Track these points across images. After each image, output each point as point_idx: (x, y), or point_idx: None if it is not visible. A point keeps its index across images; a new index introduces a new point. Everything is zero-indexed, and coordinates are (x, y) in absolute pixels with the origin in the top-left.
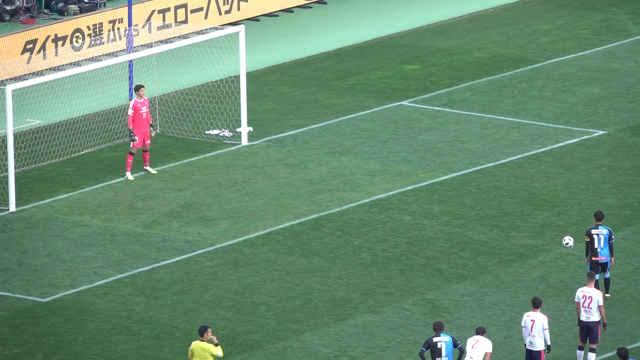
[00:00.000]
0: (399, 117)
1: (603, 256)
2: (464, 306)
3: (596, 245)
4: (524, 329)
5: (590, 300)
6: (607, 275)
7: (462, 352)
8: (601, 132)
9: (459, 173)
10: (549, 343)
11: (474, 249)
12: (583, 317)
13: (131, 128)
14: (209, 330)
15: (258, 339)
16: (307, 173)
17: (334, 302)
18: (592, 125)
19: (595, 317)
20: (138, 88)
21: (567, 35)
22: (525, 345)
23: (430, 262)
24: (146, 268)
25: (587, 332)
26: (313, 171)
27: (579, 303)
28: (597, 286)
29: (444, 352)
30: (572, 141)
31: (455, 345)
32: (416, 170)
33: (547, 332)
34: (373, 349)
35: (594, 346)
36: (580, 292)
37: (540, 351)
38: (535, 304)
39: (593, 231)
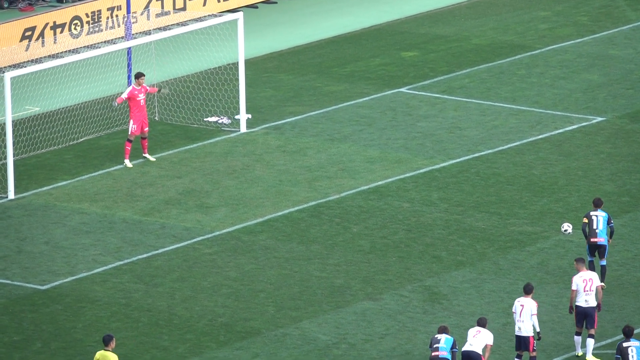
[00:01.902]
0: (398, 104)
1: (602, 238)
2: (462, 293)
3: (595, 227)
4: (514, 314)
5: (592, 283)
6: (604, 262)
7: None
8: (600, 119)
9: (458, 160)
10: (537, 330)
11: (473, 236)
12: (582, 303)
13: (117, 102)
14: (114, 340)
15: (257, 326)
16: (306, 160)
17: (332, 289)
18: (591, 112)
19: (593, 302)
20: (138, 76)
21: (566, 22)
22: (515, 331)
23: (429, 249)
24: (145, 255)
25: (585, 317)
26: (312, 158)
27: (576, 290)
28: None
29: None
30: (570, 128)
31: (453, 346)
32: (415, 157)
33: (535, 318)
34: (372, 336)
35: (592, 332)
36: (580, 278)
37: (528, 337)
38: (527, 290)
39: (592, 213)
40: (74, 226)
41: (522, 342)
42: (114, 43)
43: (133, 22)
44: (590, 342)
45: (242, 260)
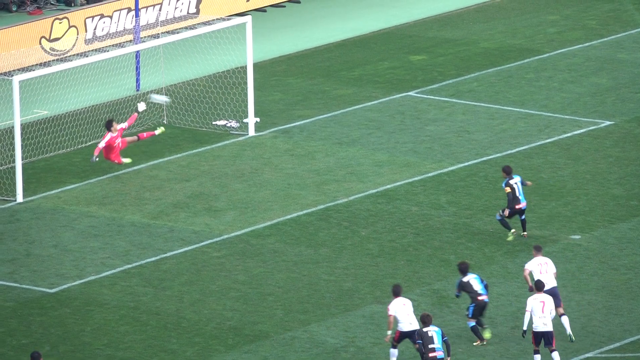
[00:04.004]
0: (406, 108)
1: (524, 202)
2: None
3: (518, 194)
4: (530, 312)
5: (547, 265)
6: (524, 217)
7: (448, 346)
8: (608, 123)
9: (466, 164)
10: (524, 328)
11: (481, 240)
12: (540, 327)
13: (95, 157)
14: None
15: (265, 329)
16: (314, 164)
17: (341, 292)
18: (599, 115)
19: (554, 281)
20: (110, 124)
21: (574, 26)
22: (535, 328)
23: (438, 252)
24: (153, 259)
25: (554, 296)
26: (320, 162)
27: (530, 271)
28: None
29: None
30: (579, 132)
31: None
32: (423, 161)
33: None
34: (380, 339)
35: (562, 310)
36: (536, 262)
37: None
38: (540, 287)
39: (511, 182)
40: (83, 229)
41: (548, 337)
42: (123, 46)
43: (141, 26)
44: (566, 320)
45: (251, 264)
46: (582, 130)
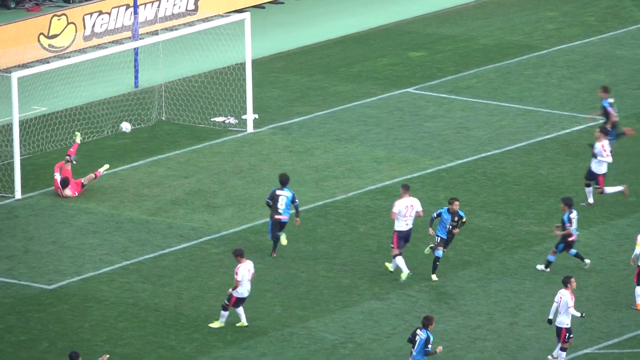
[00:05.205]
0: (405, 104)
1: (285, 215)
2: (469, 293)
3: (279, 205)
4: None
5: (412, 209)
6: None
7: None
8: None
9: (465, 160)
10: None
11: (480, 236)
12: (403, 227)
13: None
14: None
15: (264, 325)
16: (313, 160)
17: (339, 288)
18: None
19: (411, 225)
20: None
21: (573, 22)
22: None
23: None
24: (152, 255)
25: (407, 240)
26: (319, 158)
27: (397, 213)
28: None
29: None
30: (577, 128)
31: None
32: (422, 158)
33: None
34: (379, 336)
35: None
36: (402, 204)
37: (561, 328)
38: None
39: (277, 192)
40: (81, 226)
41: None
42: (121, 43)
43: (140, 22)
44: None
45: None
46: (580, 127)
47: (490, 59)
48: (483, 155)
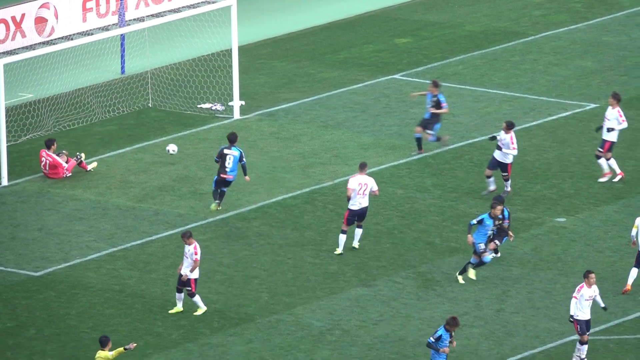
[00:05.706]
0: (391, 91)
1: (231, 175)
2: (456, 279)
3: (227, 164)
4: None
5: (367, 187)
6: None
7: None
8: (593, 106)
9: (452, 146)
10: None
11: (466, 222)
12: (355, 206)
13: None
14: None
15: (250, 312)
16: (300, 147)
17: (326, 275)
18: (585, 98)
19: (366, 203)
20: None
21: (560, 9)
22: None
23: (423, 235)
24: (139, 242)
25: (360, 217)
26: (305, 145)
27: (352, 190)
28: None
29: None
30: (564, 114)
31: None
32: (408, 144)
33: (572, 301)
34: (366, 322)
35: (361, 224)
36: (356, 180)
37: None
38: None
39: (225, 150)
40: (68, 213)
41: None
42: (107, 29)
43: (126, 8)
44: (359, 231)
45: (236, 247)
46: (567, 113)
47: (476, 46)
48: (470, 141)
